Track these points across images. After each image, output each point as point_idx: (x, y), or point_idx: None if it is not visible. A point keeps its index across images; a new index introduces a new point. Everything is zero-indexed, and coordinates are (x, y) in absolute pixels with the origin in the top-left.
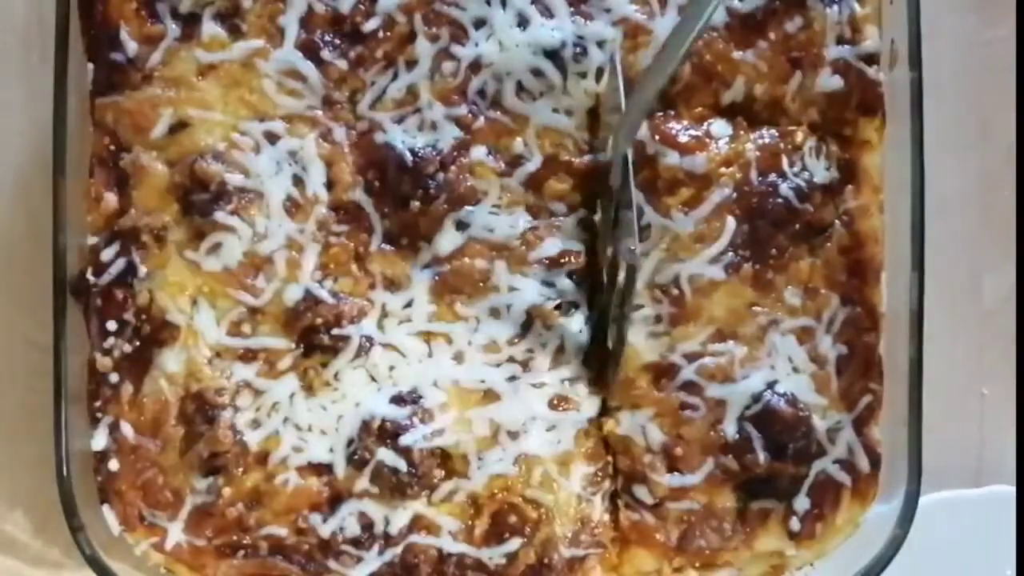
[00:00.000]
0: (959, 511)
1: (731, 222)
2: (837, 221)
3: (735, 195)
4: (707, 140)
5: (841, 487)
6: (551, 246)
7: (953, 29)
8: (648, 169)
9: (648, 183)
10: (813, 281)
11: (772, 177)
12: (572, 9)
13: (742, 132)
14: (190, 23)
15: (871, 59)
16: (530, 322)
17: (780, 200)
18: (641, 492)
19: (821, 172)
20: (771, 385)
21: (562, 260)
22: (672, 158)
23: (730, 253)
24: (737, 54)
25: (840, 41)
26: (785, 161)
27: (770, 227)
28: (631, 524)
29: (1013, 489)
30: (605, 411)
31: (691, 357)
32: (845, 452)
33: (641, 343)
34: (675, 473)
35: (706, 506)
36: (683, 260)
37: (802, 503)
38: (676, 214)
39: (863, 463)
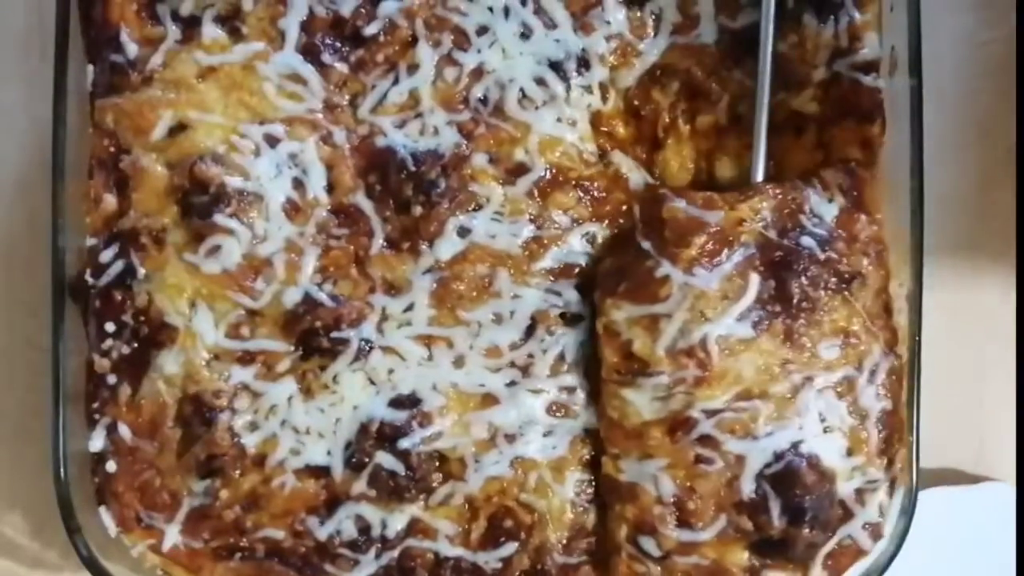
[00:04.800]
0: (957, 506)
1: (755, 279)
2: (866, 261)
3: (757, 252)
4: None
5: (862, 553)
6: (553, 257)
7: (952, 30)
8: (655, 218)
9: (654, 231)
10: (851, 329)
11: (791, 229)
12: (574, 22)
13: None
14: (190, 25)
15: (870, 67)
16: (533, 327)
17: (804, 251)
18: (648, 544)
19: (827, 207)
20: (795, 445)
21: (564, 273)
22: (678, 202)
23: (758, 310)
24: (725, 72)
25: (834, 57)
26: (803, 217)
27: (797, 280)
28: (632, 572)
29: (1013, 487)
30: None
31: (711, 414)
32: (876, 515)
33: (645, 405)
34: (685, 527)
35: (715, 562)
36: (710, 320)
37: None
38: (699, 270)
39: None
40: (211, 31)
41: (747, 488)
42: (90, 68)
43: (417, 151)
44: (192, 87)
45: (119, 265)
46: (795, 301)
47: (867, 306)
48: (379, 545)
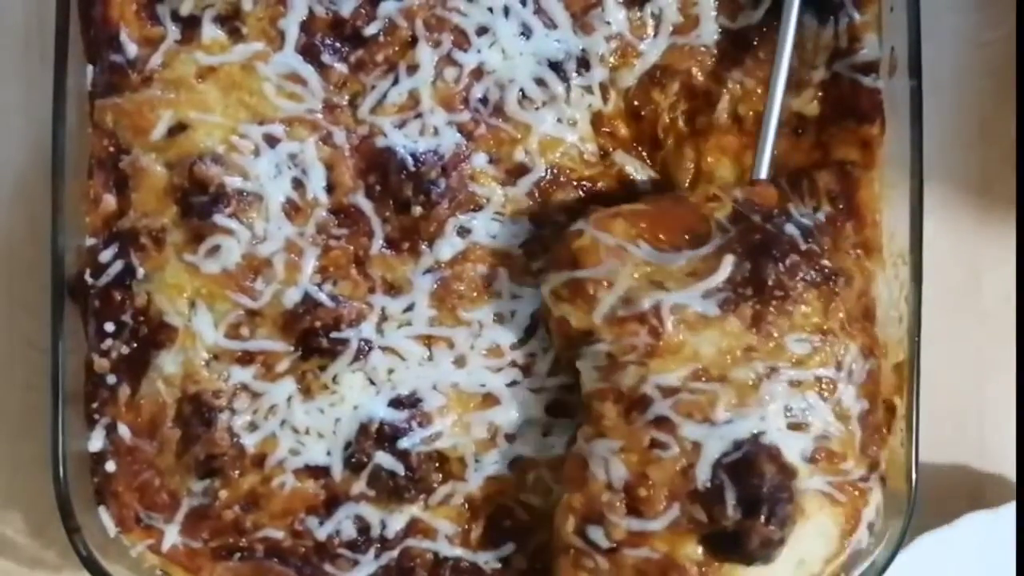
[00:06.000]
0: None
1: (730, 259)
2: (849, 261)
3: (737, 234)
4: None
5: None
6: None
7: (953, 29)
8: None
9: None
10: (828, 327)
11: (777, 215)
12: (574, 22)
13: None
14: (190, 25)
15: (870, 67)
16: (535, 326)
17: (785, 238)
18: (596, 534)
19: (812, 217)
20: (756, 436)
21: None
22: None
23: (727, 291)
24: (725, 73)
25: (834, 58)
26: (790, 205)
27: (774, 265)
28: (579, 568)
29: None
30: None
31: (667, 392)
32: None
33: (589, 374)
34: (636, 516)
35: (666, 555)
36: (668, 290)
37: None
38: (645, 246)
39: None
40: (211, 31)
41: (703, 477)
42: (90, 68)
43: (417, 151)
44: (192, 87)
45: (119, 265)
46: (768, 287)
47: (848, 307)
48: (378, 545)
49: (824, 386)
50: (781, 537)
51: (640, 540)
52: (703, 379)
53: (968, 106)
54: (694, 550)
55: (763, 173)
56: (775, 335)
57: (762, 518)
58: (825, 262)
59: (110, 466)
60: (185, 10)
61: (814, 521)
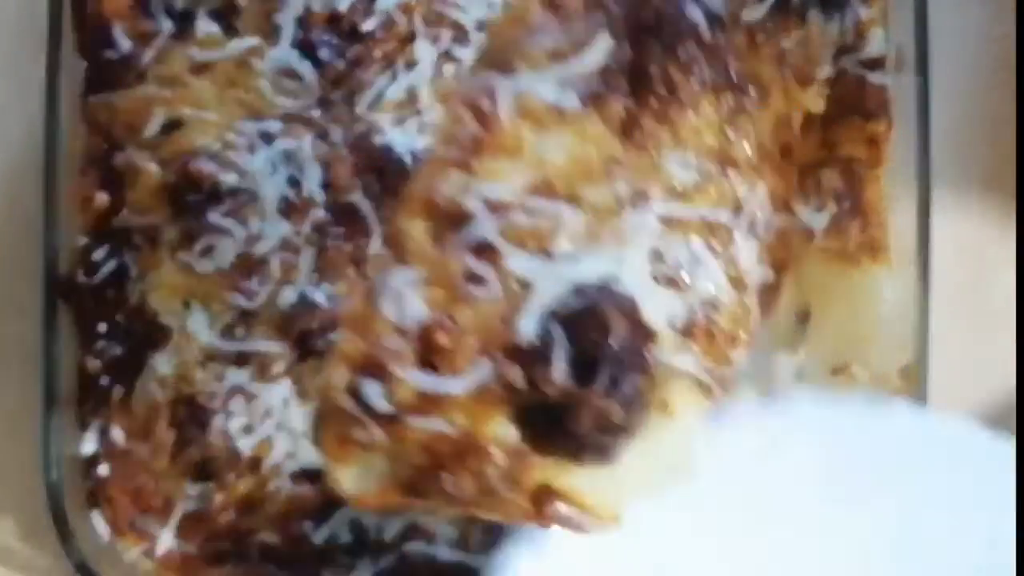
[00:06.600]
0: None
1: (605, 39)
2: (770, 69)
3: (624, 10)
4: None
5: None
6: None
7: (961, 24)
8: None
9: None
10: (730, 156)
11: None
12: None
13: None
14: (184, 21)
15: (876, 63)
16: None
17: (687, 21)
18: (373, 391)
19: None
20: (608, 282)
21: None
22: None
23: (597, 81)
24: None
25: (840, 54)
26: None
27: (664, 52)
28: (346, 441)
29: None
30: None
31: (496, 208)
32: None
33: None
34: (430, 370)
35: (466, 432)
36: (514, 72)
37: None
38: None
39: None
40: (205, 26)
41: (528, 327)
42: (83, 65)
43: (415, 149)
44: (186, 83)
45: (112, 264)
46: (650, 79)
47: (760, 133)
48: (375, 549)
49: (714, 234)
50: (623, 422)
51: (432, 406)
52: (545, 195)
53: (977, 103)
54: (504, 429)
55: None
56: (650, 149)
57: (599, 387)
58: (733, 61)
59: (103, 469)
60: (179, 5)
61: (681, 423)
